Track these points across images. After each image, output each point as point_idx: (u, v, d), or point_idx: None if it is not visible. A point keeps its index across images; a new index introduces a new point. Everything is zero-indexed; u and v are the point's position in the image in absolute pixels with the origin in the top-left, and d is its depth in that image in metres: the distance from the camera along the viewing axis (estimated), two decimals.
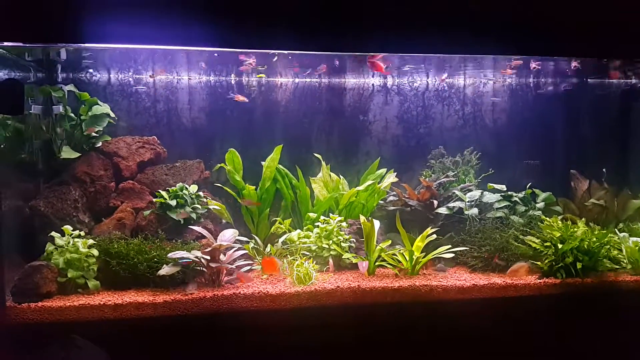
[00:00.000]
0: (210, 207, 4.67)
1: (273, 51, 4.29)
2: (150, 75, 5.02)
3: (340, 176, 5.24)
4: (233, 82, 5.26)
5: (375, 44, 3.84)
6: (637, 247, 4.32)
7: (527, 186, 5.07)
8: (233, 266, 4.05)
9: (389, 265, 4.32)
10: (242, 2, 3.53)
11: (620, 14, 3.85)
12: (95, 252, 3.86)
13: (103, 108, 4.74)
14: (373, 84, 5.53)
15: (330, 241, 4.44)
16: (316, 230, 4.54)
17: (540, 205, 4.94)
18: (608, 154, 5.58)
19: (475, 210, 4.74)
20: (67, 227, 3.94)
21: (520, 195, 4.98)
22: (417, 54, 4.49)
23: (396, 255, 4.33)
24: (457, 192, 4.93)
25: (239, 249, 4.17)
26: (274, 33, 3.64)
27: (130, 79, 5.06)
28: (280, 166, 5.08)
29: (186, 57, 4.68)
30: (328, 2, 3.61)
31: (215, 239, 4.13)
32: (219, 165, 5.04)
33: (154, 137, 5.02)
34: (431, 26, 3.74)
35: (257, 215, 5.02)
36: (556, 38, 3.88)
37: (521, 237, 4.46)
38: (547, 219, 4.63)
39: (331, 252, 4.38)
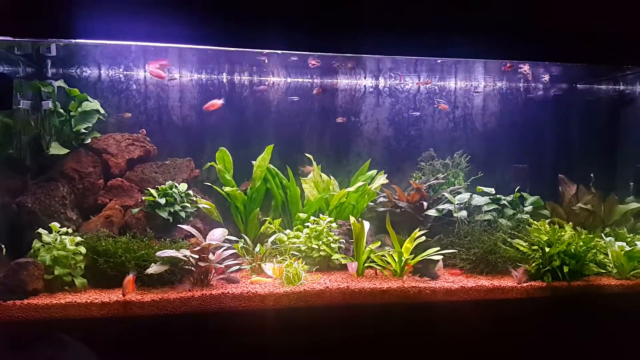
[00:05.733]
0: (200, 205, 4.66)
1: (266, 51, 4.28)
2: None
3: (331, 177, 5.24)
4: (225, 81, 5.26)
5: (372, 46, 3.86)
6: (622, 252, 4.37)
7: (516, 190, 5.11)
8: (222, 265, 4.03)
9: (378, 267, 4.33)
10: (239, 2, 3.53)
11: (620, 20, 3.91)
12: (82, 249, 3.83)
13: (93, 104, 4.70)
14: (365, 85, 5.54)
15: (320, 242, 4.44)
16: (306, 230, 4.54)
17: (528, 208, 4.98)
18: (595, 159, 5.64)
19: (464, 213, 4.77)
20: (55, 224, 3.90)
21: (509, 198, 5.02)
22: (414, 56, 4.51)
23: (385, 257, 4.34)
24: (446, 195, 4.95)
25: (228, 248, 4.16)
26: (268, 33, 3.64)
27: (121, 76, 5.04)
28: (271, 166, 5.07)
29: (179, 55, 4.66)
30: (326, 3, 3.62)
31: (205, 238, 4.11)
32: (209, 163, 5.02)
33: (143, 130, 4.99)
34: (429, 29, 3.77)
35: (246, 215, 5.00)
36: (555, 42, 3.94)
37: (509, 240, 4.50)
38: (535, 222, 4.67)
39: (321, 253, 4.39)
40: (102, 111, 4.75)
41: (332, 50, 4.03)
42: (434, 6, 3.76)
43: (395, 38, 3.79)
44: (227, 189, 4.88)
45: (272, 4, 3.59)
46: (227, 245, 4.17)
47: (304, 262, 4.19)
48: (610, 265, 4.44)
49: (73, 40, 3.89)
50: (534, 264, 4.24)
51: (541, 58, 4.35)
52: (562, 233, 4.45)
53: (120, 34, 3.50)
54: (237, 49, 4.08)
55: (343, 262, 4.36)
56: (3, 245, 3.90)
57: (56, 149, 4.47)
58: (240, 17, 3.56)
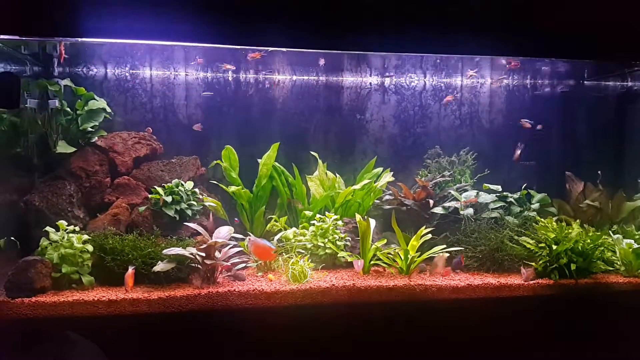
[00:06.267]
0: (206, 203, 4.67)
1: (270, 49, 4.28)
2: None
3: (337, 174, 5.24)
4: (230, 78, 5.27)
5: (373, 43, 3.85)
6: (630, 249, 4.34)
7: (523, 187, 5.09)
8: (228, 263, 4.04)
9: (384, 264, 4.33)
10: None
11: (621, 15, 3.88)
12: (89, 247, 3.85)
13: (99, 103, 4.72)
14: (370, 83, 5.53)
15: (326, 239, 4.44)
16: (312, 228, 4.54)
17: (535, 206, 4.96)
18: (603, 156, 5.61)
19: (470, 210, 4.75)
20: (62, 222, 3.92)
21: (516, 196, 5.00)
22: (414, 53, 4.51)
23: (391, 255, 4.34)
24: (452, 192, 4.94)
25: (234, 246, 4.17)
26: (272, 30, 3.64)
27: (127, 74, 5.06)
28: (277, 164, 5.08)
29: (183, 53, 4.67)
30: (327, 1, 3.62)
31: (211, 236, 4.12)
32: (215, 162, 5.03)
33: (149, 128, 5.00)
34: (430, 26, 3.75)
35: (252, 213, 5.01)
36: (556, 39, 3.91)
37: (516, 237, 4.48)
38: (542, 220, 4.65)
39: (326, 251, 4.39)
40: (108, 110, 4.77)
41: (333, 47, 4.03)
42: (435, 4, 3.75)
43: (395, 36, 3.78)
44: (232, 188, 4.88)
45: (273, 2, 3.58)
46: (233, 243, 4.18)
47: (309, 260, 4.20)
48: (618, 263, 4.42)
49: (79, 39, 3.91)
50: (541, 262, 4.22)
51: (542, 54, 4.33)
52: (570, 230, 4.43)
53: (122, 32, 3.50)
54: (237, 46, 4.09)
55: (349, 259, 4.36)
56: (16, 240, 3.93)
57: (63, 148, 4.49)
58: (240, 15, 3.55)
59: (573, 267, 4.12)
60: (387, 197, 5.09)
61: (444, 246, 4.41)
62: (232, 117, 5.27)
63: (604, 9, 3.87)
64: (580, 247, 4.21)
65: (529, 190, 5.12)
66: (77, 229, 4.01)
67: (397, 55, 4.74)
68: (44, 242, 3.84)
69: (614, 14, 3.90)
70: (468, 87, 5.67)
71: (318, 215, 4.66)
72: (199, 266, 3.90)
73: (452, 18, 3.80)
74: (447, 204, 4.85)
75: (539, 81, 5.77)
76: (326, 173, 5.18)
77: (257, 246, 4.04)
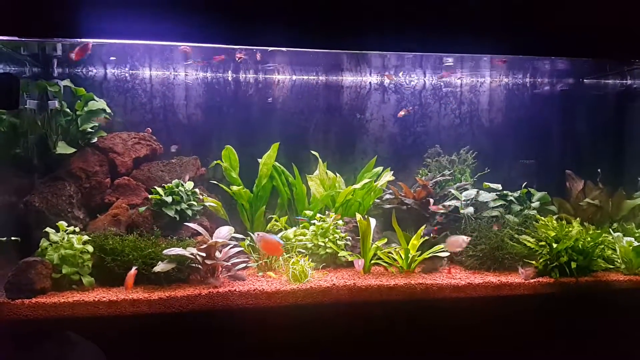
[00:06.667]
0: (206, 204, 4.66)
1: (269, 48, 4.28)
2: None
3: (337, 174, 5.24)
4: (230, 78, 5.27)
5: (373, 43, 3.86)
6: (630, 247, 4.34)
7: (523, 185, 5.09)
8: (229, 263, 4.04)
9: (384, 264, 4.32)
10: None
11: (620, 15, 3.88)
12: (90, 248, 3.84)
13: (99, 103, 4.71)
14: (370, 82, 5.53)
15: (326, 239, 4.44)
16: (312, 228, 4.54)
17: (536, 204, 4.96)
18: (603, 154, 5.61)
19: (470, 209, 4.75)
20: (62, 223, 3.91)
21: (516, 194, 5.00)
22: (414, 52, 4.51)
23: (392, 254, 4.33)
24: (453, 191, 4.94)
25: (234, 246, 4.16)
26: (270, 30, 3.64)
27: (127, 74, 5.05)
28: (277, 163, 5.07)
29: (183, 53, 4.66)
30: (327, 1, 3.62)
31: (211, 236, 4.12)
32: (215, 162, 5.03)
33: (149, 128, 5.00)
34: (430, 26, 3.75)
35: (252, 213, 5.01)
36: (556, 39, 3.91)
37: (516, 236, 4.48)
38: (542, 218, 4.65)
39: (327, 250, 4.38)
40: (108, 110, 4.76)
41: (333, 46, 4.03)
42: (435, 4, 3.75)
43: (395, 36, 3.78)
44: (233, 188, 4.88)
45: (272, 2, 3.58)
46: (233, 243, 4.18)
47: (310, 260, 4.19)
48: (619, 261, 4.42)
49: (78, 40, 3.91)
50: (541, 260, 4.22)
51: (542, 54, 4.33)
52: (570, 229, 4.43)
53: (121, 32, 3.50)
54: (237, 46, 4.09)
55: (349, 259, 4.36)
56: (16, 241, 3.95)
57: (63, 149, 4.48)
58: (239, 15, 3.55)
59: (573, 265, 4.12)
60: (388, 196, 5.08)
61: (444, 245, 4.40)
62: (232, 117, 5.27)
63: (603, 10, 3.87)
64: (580, 245, 4.21)
65: (529, 189, 5.12)
66: (77, 229, 4.00)
67: (398, 55, 4.74)
68: (44, 243, 3.83)
69: (614, 14, 3.90)
70: (468, 86, 5.67)
71: (318, 215, 4.66)
72: (199, 266, 3.90)
73: (452, 18, 3.79)
74: (447, 203, 4.85)
75: (539, 80, 5.77)
76: (326, 172, 5.17)
77: (266, 241, 4.03)
